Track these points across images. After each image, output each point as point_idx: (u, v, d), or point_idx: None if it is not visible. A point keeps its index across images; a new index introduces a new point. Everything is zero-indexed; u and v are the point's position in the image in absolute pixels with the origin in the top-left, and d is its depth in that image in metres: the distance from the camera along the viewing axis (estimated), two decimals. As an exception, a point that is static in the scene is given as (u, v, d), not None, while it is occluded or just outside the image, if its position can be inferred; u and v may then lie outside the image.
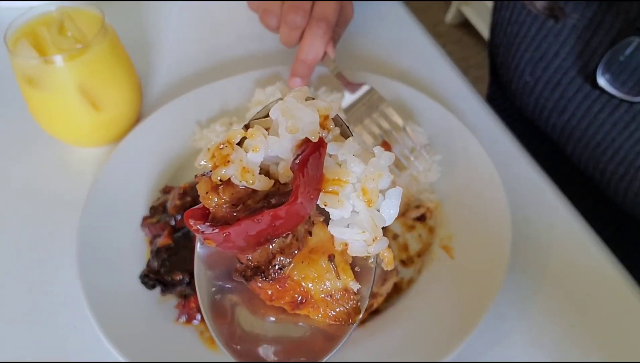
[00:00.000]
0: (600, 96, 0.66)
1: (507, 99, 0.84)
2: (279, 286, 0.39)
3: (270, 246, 0.36)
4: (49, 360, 0.56)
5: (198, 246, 0.40)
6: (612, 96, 0.62)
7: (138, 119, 0.73)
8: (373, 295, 0.54)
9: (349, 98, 0.68)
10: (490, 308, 0.52)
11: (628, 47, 0.59)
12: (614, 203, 0.72)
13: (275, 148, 0.36)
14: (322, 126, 0.36)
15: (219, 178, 0.36)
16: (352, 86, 0.68)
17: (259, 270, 0.37)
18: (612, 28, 0.63)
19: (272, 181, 0.37)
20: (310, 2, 0.67)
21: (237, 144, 0.36)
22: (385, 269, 0.45)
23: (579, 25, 0.66)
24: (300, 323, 0.40)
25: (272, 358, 0.39)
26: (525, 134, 0.76)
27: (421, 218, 0.63)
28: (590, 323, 0.55)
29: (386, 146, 0.66)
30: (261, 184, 0.36)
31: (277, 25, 0.70)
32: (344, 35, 0.80)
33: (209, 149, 0.36)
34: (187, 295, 0.55)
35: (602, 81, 0.62)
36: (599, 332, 0.55)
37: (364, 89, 0.68)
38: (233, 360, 0.51)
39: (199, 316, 0.55)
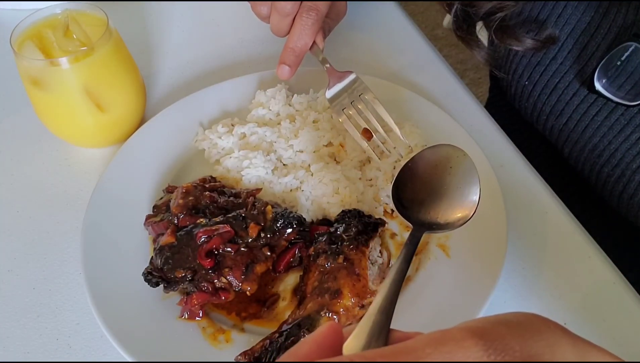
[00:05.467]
0: (596, 99, 0.67)
1: (507, 103, 0.85)
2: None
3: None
4: (52, 357, 0.57)
5: None
6: (608, 100, 0.63)
7: (142, 120, 0.75)
8: (371, 293, 0.55)
9: (334, 87, 0.69)
10: (486, 306, 0.54)
11: (625, 52, 0.60)
12: (609, 205, 0.73)
13: None
14: None
15: None
16: (338, 74, 0.69)
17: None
18: (609, 33, 0.64)
19: None
20: None
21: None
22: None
23: (577, 30, 0.67)
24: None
25: None
26: (525, 136, 0.77)
27: (419, 218, 0.64)
28: (582, 322, 0.57)
29: (367, 134, 0.67)
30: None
31: (267, 13, 0.71)
32: (340, 37, 0.81)
33: None
34: (189, 292, 0.56)
35: (598, 85, 0.62)
36: (591, 331, 0.56)
37: (350, 77, 0.69)
38: (233, 358, 0.52)
39: (201, 313, 0.57)
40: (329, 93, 0.69)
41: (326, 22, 0.73)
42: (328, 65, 0.70)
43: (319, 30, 0.70)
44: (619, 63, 0.60)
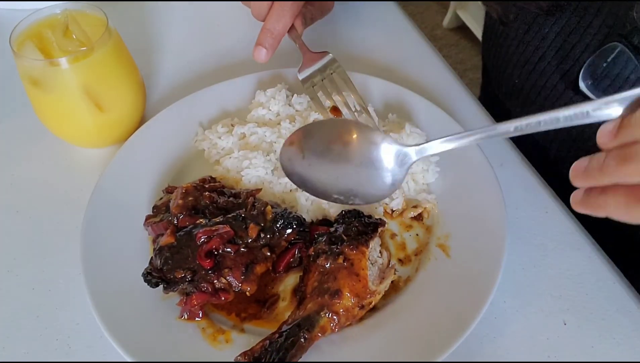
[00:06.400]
0: (582, 101, 0.66)
1: (498, 101, 0.85)
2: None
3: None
4: (52, 357, 0.57)
5: None
6: None
7: (142, 120, 0.75)
8: (371, 293, 0.55)
9: (308, 68, 0.69)
10: (486, 306, 0.53)
11: (611, 54, 0.59)
12: None
13: None
14: None
15: None
16: (313, 55, 0.69)
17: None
18: (598, 33, 0.63)
19: None
20: None
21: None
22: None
23: (566, 29, 0.67)
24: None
25: None
26: (515, 136, 0.77)
27: (418, 218, 0.64)
28: (582, 322, 0.57)
29: (336, 112, 0.67)
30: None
31: None
32: (340, 37, 0.81)
33: None
34: (189, 292, 0.56)
35: (583, 86, 0.61)
36: (590, 331, 0.56)
37: (326, 58, 0.69)
38: (233, 358, 0.52)
39: (201, 313, 0.57)
40: (302, 75, 0.68)
41: (309, 10, 0.73)
42: (301, 41, 0.70)
43: (299, 15, 0.69)
44: (604, 65, 0.60)
